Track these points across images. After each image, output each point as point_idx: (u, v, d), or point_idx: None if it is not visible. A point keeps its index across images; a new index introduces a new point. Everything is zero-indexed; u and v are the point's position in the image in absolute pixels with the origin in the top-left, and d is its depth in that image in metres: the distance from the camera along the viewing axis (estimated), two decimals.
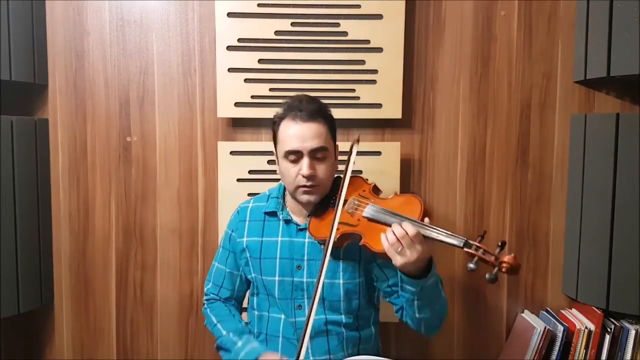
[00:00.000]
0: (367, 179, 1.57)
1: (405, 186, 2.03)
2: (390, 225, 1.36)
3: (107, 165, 2.04)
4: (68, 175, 2.04)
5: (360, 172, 1.92)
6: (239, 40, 1.93)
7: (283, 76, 1.95)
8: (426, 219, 1.36)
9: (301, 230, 1.54)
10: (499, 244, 1.30)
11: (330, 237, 1.40)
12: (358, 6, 1.92)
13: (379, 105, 1.95)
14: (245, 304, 1.74)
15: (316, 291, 1.38)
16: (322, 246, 1.51)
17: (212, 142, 2.03)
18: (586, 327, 1.88)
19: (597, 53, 1.84)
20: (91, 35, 2.00)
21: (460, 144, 2.04)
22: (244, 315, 1.69)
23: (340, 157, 1.58)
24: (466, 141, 2.04)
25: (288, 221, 1.56)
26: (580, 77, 1.94)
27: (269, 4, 1.92)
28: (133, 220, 2.06)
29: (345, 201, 1.50)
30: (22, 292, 1.89)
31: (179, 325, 2.09)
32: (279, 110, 1.53)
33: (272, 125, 1.53)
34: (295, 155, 1.46)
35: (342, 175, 1.59)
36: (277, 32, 1.93)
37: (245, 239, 1.59)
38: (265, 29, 1.93)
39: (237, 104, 1.96)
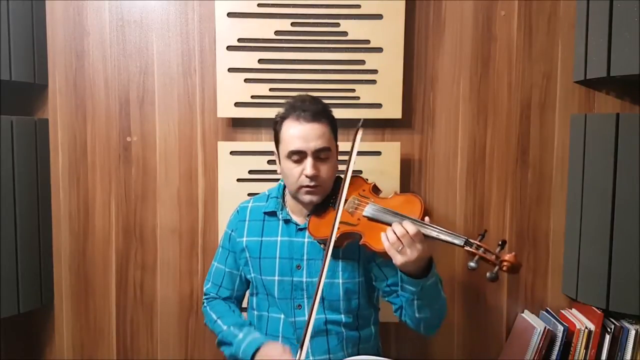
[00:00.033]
0: (367, 179, 1.57)
1: (405, 186, 2.03)
2: (390, 225, 1.36)
3: (107, 165, 2.04)
4: (68, 175, 2.04)
5: (360, 172, 1.92)
6: (239, 40, 1.93)
7: (283, 76, 1.95)
8: (427, 218, 1.36)
9: (301, 230, 1.54)
10: (500, 242, 1.30)
11: (331, 237, 1.40)
12: (358, 6, 1.92)
13: (379, 105, 1.95)
14: (244, 304, 1.73)
15: (317, 291, 1.38)
16: (322, 246, 1.51)
17: (212, 142, 2.03)
18: (586, 327, 1.88)
19: (597, 53, 1.84)
20: (91, 35, 2.00)
21: (460, 144, 2.04)
22: (244, 315, 1.69)
23: (340, 157, 1.58)
24: (466, 141, 2.04)
25: (287, 221, 1.56)
26: (580, 77, 1.94)
27: (269, 4, 1.92)
28: (133, 220, 2.06)
29: (345, 200, 1.50)
30: (22, 292, 1.89)
31: (179, 325, 2.09)
32: (280, 110, 1.53)
33: (274, 125, 1.53)
34: (298, 156, 1.46)
35: (341, 176, 1.59)
36: (277, 32, 1.93)
37: (244, 239, 1.59)
38: (265, 29, 1.93)
39: (237, 104, 1.96)
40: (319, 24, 1.93)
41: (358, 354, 1.56)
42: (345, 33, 1.94)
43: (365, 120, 1.94)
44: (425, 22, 2.01)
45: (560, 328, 1.90)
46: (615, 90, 2.00)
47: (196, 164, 2.04)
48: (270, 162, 1.96)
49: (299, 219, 1.56)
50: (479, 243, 1.30)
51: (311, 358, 1.52)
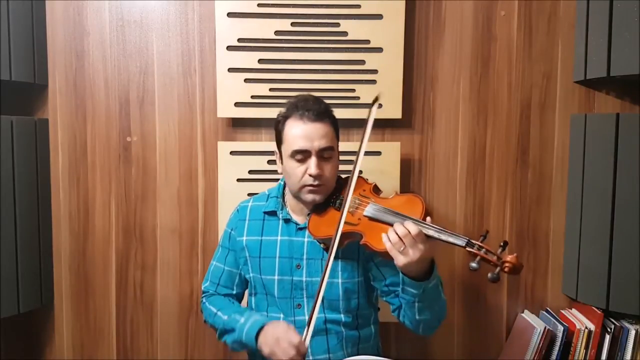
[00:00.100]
0: (367, 179, 1.57)
1: (405, 186, 2.03)
2: (391, 225, 1.36)
3: (107, 165, 2.04)
4: (68, 175, 2.04)
5: (361, 172, 1.91)
6: (239, 40, 1.93)
7: (283, 76, 1.95)
8: (428, 218, 1.36)
9: (300, 229, 1.55)
10: (501, 243, 1.30)
11: (335, 237, 1.40)
12: (358, 6, 1.92)
13: (379, 105, 1.94)
14: (244, 304, 1.73)
15: (319, 290, 1.38)
16: (322, 245, 1.51)
17: (212, 142, 2.03)
18: (586, 327, 1.88)
19: (597, 53, 1.84)
20: (91, 35, 2.00)
21: (460, 144, 2.04)
22: None
23: (343, 157, 1.59)
24: (466, 141, 2.04)
25: (288, 220, 1.56)
26: (580, 77, 1.94)
27: (269, 4, 1.92)
28: (133, 220, 2.06)
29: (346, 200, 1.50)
30: (22, 292, 1.89)
31: (179, 325, 2.09)
32: (282, 109, 1.53)
33: (276, 124, 1.53)
34: (302, 155, 1.46)
35: (342, 175, 1.60)
36: (277, 32, 1.93)
37: (244, 238, 1.59)
38: (265, 29, 1.93)
39: (237, 104, 1.96)
40: (319, 24, 1.93)
41: (358, 354, 1.56)
42: (345, 33, 1.94)
43: (365, 120, 1.96)
44: (425, 22, 2.01)
45: (560, 328, 1.90)
46: (615, 90, 2.00)
47: (196, 164, 2.04)
48: (270, 162, 1.96)
49: (299, 219, 1.56)
50: (480, 244, 1.30)
51: (311, 358, 1.52)
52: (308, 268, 1.53)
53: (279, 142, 1.53)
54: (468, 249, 1.30)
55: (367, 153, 1.92)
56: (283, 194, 1.61)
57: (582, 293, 1.95)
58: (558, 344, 1.90)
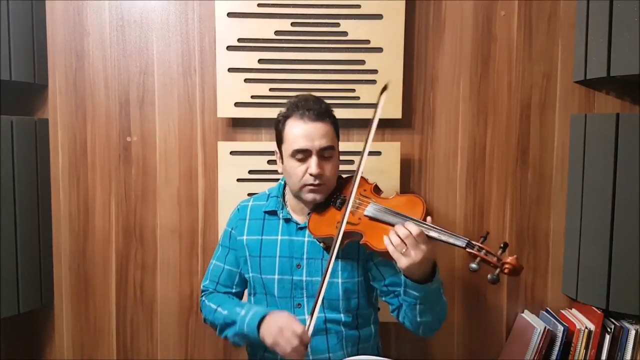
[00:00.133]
0: (368, 179, 1.57)
1: (405, 186, 2.03)
2: (391, 224, 1.36)
3: (107, 165, 2.04)
4: (68, 175, 2.04)
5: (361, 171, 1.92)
6: (239, 40, 1.93)
7: (283, 76, 1.95)
8: (428, 218, 1.36)
9: (301, 229, 1.55)
10: (501, 245, 1.30)
11: (338, 237, 1.40)
12: (358, 6, 1.92)
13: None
14: None
15: (320, 289, 1.38)
16: (321, 244, 1.51)
17: (212, 142, 2.03)
18: (586, 327, 1.88)
19: (597, 53, 1.84)
20: (91, 35, 2.00)
21: (460, 144, 2.04)
22: None
23: (341, 157, 1.59)
24: (466, 141, 2.04)
25: (288, 220, 1.57)
26: (580, 77, 1.94)
27: (269, 4, 1.92)
28: (133, 220, 2.06)
29: (346, 200, 1.50)
30: (22, 292, 1.89)
31: (179, 325, 2.09)
32: (282, 109, 1.53)
33: (277, 124, 1.53)
34: (303, 154, 1.46)
35: (343, 175, 1.60)
36: (277, 32, 1.93)
37: (245, 237, 1.60)
38: (265, 29, 1.93)
39: (237, 104, 1.96)
40: (319, 24, 1.93)
41: (358, 354, 1.56)
42: (345, 33, 1.94)
43: (365, 120, 1.95)
44: (425, 22, 2.01)
45: (560, 328, 1.90)
46: (615, 90, 2.01)
47: (196, 164, 2.04)
48: (270, 162, 1.96)
49: (299, 218, 1.56)
50: (480, 245, 1.30)
51: (311, 357, 1.52)
52: (308, 268, 1.53)
53: (280, 141, 1.53)
54: (468, 250, 1.30)
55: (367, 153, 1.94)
56: (283, 193, 1.61)
57: (582, 293, 1.95)
58: (558, 344, 1.90)
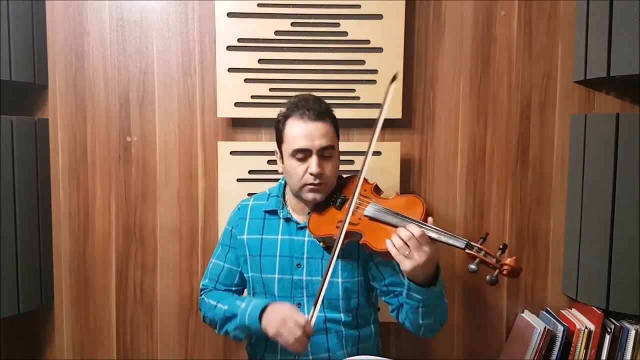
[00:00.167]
0: (368, 179, 1.57)
1: (405, 186, 2.03)
2: (390, 225, 1.36)
3: (107, 165, 2.04)
4: (68, 175, 2.04)
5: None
6: (239, 40, 1.93)
7: (283, 76, 1.95)
8: (430, 219, 1.36)
9: (301, 228, 1.55)
10: (501, 246, 1.30)
11: (340, 236, 1.40)
12: (358, 6, 1.92)
13: (379, 105, 1.94)
14: None
15: (321, 288, 1.39)
16: (321, 244, 1.51)
17: (212, 142, 2.03)
18: (586, 327, 1.88)
19: (597, 53, 1.84)
20: (91, 35, 2.00)
21: (460, 144, 2.04)
22: None
23: (341, 157, 1.59)
24: (466, 141, 2.04)
25: (288, 219, 1.57)
26: (580, 77, 1.94)
27: (269, 4, 1.92)
28: (133, 220, 2.06)
29: (346, 200, 1.50)
30: (22, 292, 1.89)
31: (179, 325, 2.09)
32: (282, 109, 1.53)
33: (277, 124, 1.53)
34: (303, 154, 1.46)
35: (343, 175, 1.60)
36: (277, 32, 1.93)
37: (245, 236, 1.60)
38: (265, 29, 1.93)
39: (237, 104, 1.96)
40: (319, 24, 1.93)
41: (358, 353, 1.56)
42: (345, 33, 1.94)
43: (365, 120, 1.97)
44: (425, 22, 2.01)
45: (560, 328, 1.90)
46: (615, 90, 2.00)
47: (196, 164, 2.04)
48: (270, 162, 1.96)
49: (299, 218, 1.57)
50: (480, 246, 1.30)
51: (311, 357, 1.52)
52: (308, 267, 1.53)
53: (280, 141, 1.53)
54: (467, 251, 1.30)
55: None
56: (284, 193, 1.61)
57: (582, 293, 1.95)
58: (558, 344, 1.90)
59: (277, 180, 1.71)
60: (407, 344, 2.07)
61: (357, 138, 2.01)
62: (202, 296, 1.66)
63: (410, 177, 2.04)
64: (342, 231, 1.40)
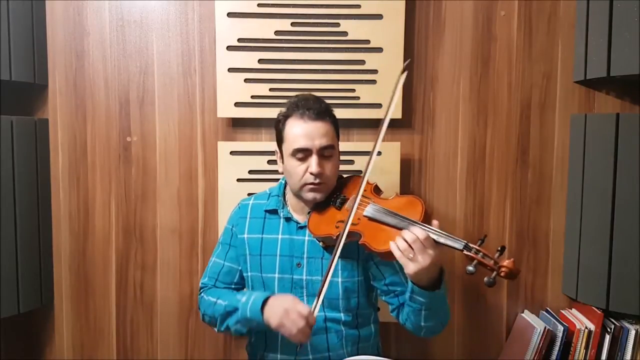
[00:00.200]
0: (368, 179, 1.57)
1: (405, 186, 2.03)
2: (389, 225, 1.36)
3: (107, 165, 2.04)
4: (68, 175, 2.04)
5: (361, 171, 1.92)
6: (239, 40, 1.93)
7: (283, 76, 1.95)
8: (435, 222, 1.35)
9: (301, 228, 1.55)
10: (499, 248, 1.30)
11: (342, 236, 1.40)
12: (358, 6, 1.92)
13: (379, 105, 1.95)
14: None
15: (322, 286, 1.39)
16: (321, 244, 1.51)
17: (212, 142, 2.03)
18: (586, 327, 1.88)
19: (597, 53, 1.84)
20: (91, 35, 2.00)
21: (460, 144, 2.04)
22: None
23: (341, 157, 1.59)
24: (466, 141, 2.04)
25: (288, 219, 1.57)
26: (580, 77, 1.94)
27: (269, 4, 1.92)
28: (133, 220, 2.06)
29: (346, 200, 1.51)
30: (22, 292, 1.89)
31: (179, 325, 2.09)
32: (282, 109, 1.53)
33: (277, 123, 1.53)
34: (303, 154, 1.46)
35: (343, 175, 1.60)
36: (277, 32, 1.93)
37: (245, 235, 1.60)
38: (265, 29, 1.93)
39: (237, 104, 1.96)
40: (319, 24, 1.93)
41: (358, 353, 1.57)
42: (345, 33, 1.94)
43: (365, 120, 1.97)
44: (425, 22, 2.01)
45: (560, 328, 1.90)
46: (615, 90, 2.00)
47: (196, 164, 2.04)
48: (270, 162, 1.96)
49: (300, 217, 1.57)
50: (478, 248, 1.30)
51: (311, 356, 1.53)
52: (308, 267, 1.53)
53: (280, 141, 1.53)
54: (465, 252, 1.30)
55: (367, 153, 1.92)
56: (284, 192, 1.61)
57: (582, 293, 1.95)
58: (558, 344, 1.90)
59: (277, 180, 1.71)
60: (407, 344, 2.07)
61: (357, 138, 2.01)
62: (202, 294, 1.65)
63: (410, 177, 2.04)
64: (344, 231, 1.40)
